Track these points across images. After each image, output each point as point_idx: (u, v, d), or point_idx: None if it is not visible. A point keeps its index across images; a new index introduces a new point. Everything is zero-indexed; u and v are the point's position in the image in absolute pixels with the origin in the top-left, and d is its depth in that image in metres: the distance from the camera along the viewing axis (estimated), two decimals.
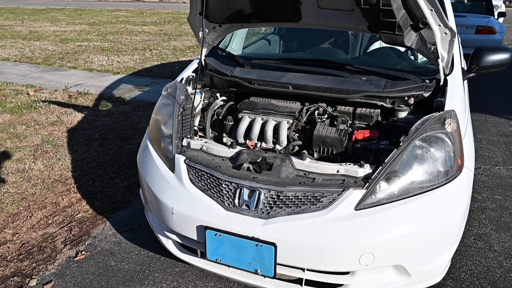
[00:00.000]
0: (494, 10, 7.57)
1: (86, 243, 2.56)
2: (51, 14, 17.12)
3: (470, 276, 2.27)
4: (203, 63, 2.54)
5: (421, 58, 2.88)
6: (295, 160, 1.92)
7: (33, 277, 2.27)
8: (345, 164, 1.86)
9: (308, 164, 1.89)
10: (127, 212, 2.86)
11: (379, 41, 3.03)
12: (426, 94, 2.16)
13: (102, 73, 6.92)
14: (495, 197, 3.10)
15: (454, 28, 2.52)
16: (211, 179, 1.90)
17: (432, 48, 2.04)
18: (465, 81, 2.63)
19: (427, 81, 2.17)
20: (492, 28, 6.83)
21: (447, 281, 2.23)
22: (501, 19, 8.09)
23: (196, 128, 2.40)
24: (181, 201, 1.89)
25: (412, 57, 2.91)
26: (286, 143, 2.15)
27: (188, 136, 2.20)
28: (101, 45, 9.55)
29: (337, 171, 1.84)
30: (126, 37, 10.83)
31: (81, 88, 5.92)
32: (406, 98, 2.16)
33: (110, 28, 12.86)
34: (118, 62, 7.74)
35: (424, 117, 1.92)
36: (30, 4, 22.64)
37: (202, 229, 1.82)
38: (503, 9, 8.33)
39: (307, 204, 1.74)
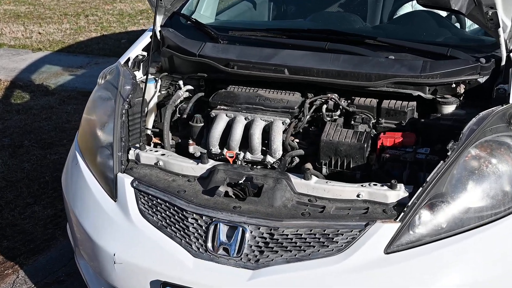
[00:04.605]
0: None
1: None
2: None
3: None
4: (159, 37, 2.52)
5: (469, 25, 2.87)
6: (295, 179, 1.90)
7: None
8: (369, 184, 1.84)
9: (314, 186, 1.87)
10: (51, 256, 2.79)
11: (410, 3, 3.00)
12: (482, 79, 2.16)
13: (16, 49, 6.81)
14: None
15: None
16: (171, 210, 1.87)
17: (490, 13, 2.00)
18: None
19: (483, 60, 2.16)
20: None
21: None
22: None
23: (149, 132, 2.37)
24: (127, 243, 1.86)
25: (457, 25, 2.91)
26: (281, 153, 2.12)
27: (137, 145, 2.16)
28: (15, 10, 9.36)
29: (358, 195, 1.82)
30: None
31: None
32: (454, 85, 2.15)
33: None
34: (39, 33, 7.64)
35: (481, 114, 1.92)
36: None
37: (159, 286, 1.79)
38: None
39: (314, 246, 1.71)
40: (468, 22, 2.92)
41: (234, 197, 1.86)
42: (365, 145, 2.04)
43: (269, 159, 2.12)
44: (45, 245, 2.85)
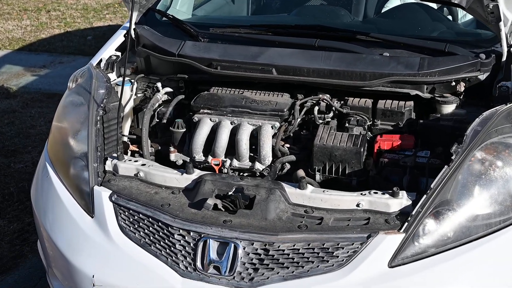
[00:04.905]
0: None
1: None
2: None
3: None
4: (134, 35, 2.48)
5: (462, 16, 2.87)
6: (289, 189, 1.87)
7: None
8: (369, 192, 1.83)
9: (311, 195, 1.84)
10: (19, 274, 2.77)
11: None
12: (482, 76, 2.15)
13: None
14: None
15: None
16: (155, 226, 1.83)
17: (491, 6, 2.00)
18: None
19: (482, 55, 2.16)
20: None
21: None
22: None
23: (126, 139, 2.34)
24: (106, 263, 1.83)
25: (449, 17, 2.92)
26: (270, 159, 2.11)
27: (115, 154, 2.12)
28: None
29: (358, 205, 1.79)
30: None
31: None
32: (453, 83, 2.14)
33: None
34: None
35: (484, 114, 1.90)
36: None
37: None
38: None
39: (313, 262, 1.68)
40: (460, 14, 2.93)
41: (223, 210, 1.83)
42: (362, 149, 2.02)
43: (258, 166, 2.10)
44: (13, 263, 2.82)
